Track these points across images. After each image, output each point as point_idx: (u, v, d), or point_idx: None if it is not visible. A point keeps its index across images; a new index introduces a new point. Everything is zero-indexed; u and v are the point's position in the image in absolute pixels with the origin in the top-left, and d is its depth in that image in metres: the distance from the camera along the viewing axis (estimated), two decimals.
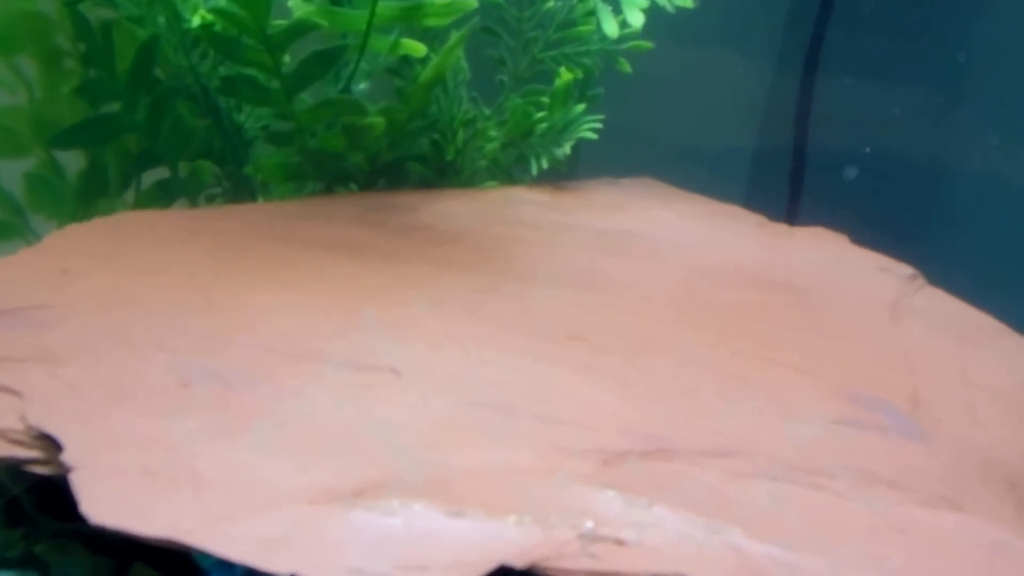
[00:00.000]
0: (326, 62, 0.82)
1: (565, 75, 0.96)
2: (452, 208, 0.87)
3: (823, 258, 0.86)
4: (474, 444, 0.50)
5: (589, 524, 0.45)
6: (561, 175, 1.03)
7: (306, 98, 0.86)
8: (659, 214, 0.94)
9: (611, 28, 0.89)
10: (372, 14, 0.84)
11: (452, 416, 0.52)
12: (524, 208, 0.90)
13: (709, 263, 0.81)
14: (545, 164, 0.97)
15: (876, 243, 1.17)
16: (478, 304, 0.67)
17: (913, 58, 1.32)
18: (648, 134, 1.37)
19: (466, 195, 0.92)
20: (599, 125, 0.98)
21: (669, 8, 0.90)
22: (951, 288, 0.90)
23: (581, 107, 0.98)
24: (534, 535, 0.43)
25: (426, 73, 0.86)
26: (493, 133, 0.96)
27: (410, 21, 0.86)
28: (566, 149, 0.96)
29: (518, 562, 0.42)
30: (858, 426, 0.57)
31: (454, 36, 0.85)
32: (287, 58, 0.82)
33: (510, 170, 1.00)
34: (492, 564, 0.41)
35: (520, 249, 0.79)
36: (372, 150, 0.89)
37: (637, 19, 0.88)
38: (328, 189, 0.91)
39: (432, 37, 0.92)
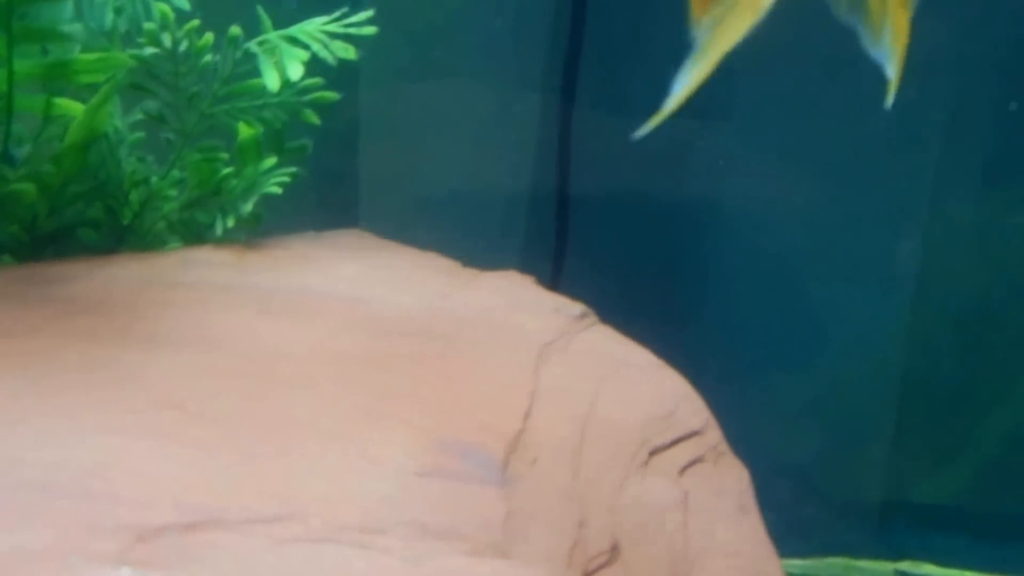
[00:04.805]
0: None
1: (245, 130, 0.94)
2: (115, 275, 0.83)
3: (497, 303, 0.86)
4: None
5: None
6: (258, 232, 1.00)
7: None
8: (346, 268, 0.92)
9: (272, 82, 0.88)
10: (11, 72, 0.81)
11: None
12: (197, 270, 0.87)
13: (371, 316, 0.79)
14: (231, 223, 0.95)
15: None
16: (82, 379, 0.63)
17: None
18: (415, 186, 1.36)
19: (138, 260, 0.88)
20: (287, 180, 0.96)
21: (330, 60, 0.90)
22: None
23: (271, 161, 0.96)
24: None
25: (73, 135, 0.83)
26: (172, 192, 0.94)
27: (58, 79, 0.83)
28: (249, 206, 0.94)
29: None
30: (440, 476, 0.55)
31: (97, 95, 0.82)
32: None
33: (201, 230, 0.98)
34: None
35: (166, 315, 0.75)
36: (27, 218, 0.85)
37: (296, 72, 0.87)
38: None
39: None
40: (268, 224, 1.01)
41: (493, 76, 1.35)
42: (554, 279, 1.35)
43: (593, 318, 0.85)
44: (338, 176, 1.30)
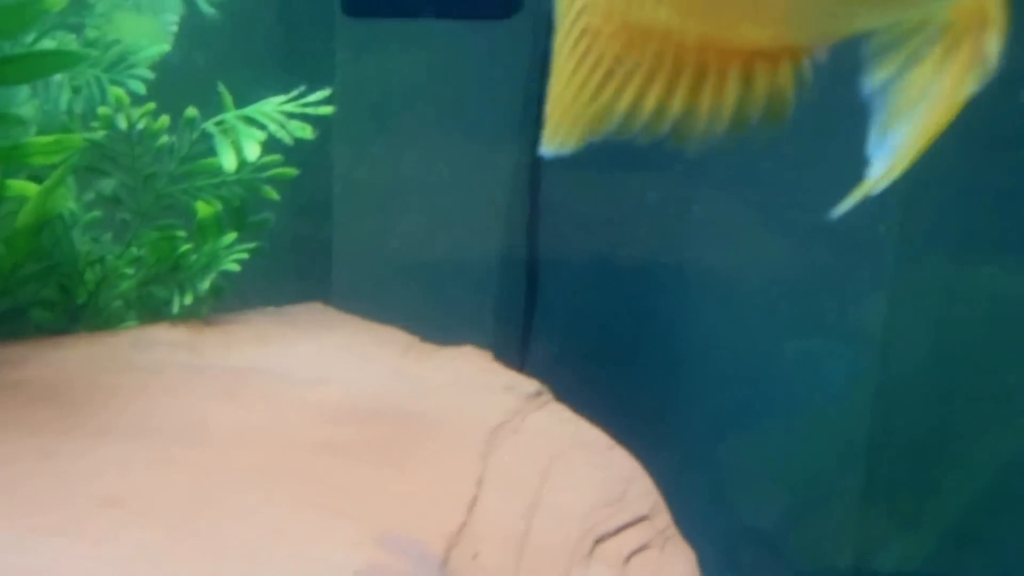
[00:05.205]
0: None
1: (204, 208, 0.94)
2: (64, 358, 0.83)
3: (451, 381, 0.86)
4: None
5: None
6: (219, 307, 1.00)
7: None
8: (302, 346, 0.92)
9: (228, 162, 0.88)
10: None
11: None
12: (149, 351, 0.87)
13: (323, 399, 0.79)
14: (189, 300, 0.94)
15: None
16: (22, 473, 0.63)
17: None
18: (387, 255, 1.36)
19: (89, 341, 0.88)
20: (246, 255, 0.96)
21: (287, 140, 0.90)
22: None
23: (231, 237, 0.96)
24: None
25: (25, 218, 0.83)
26: (129, 271, 0.93)
27: (12, 161, 0.83)
28: (207, 283, 0.94)
29: None
30: (378, 575, 0.55)
31: (50, 178, 0.82)
32: None
33: (159, 306, 0.97)
34: None
35: (113, 401, 0.75)
36: None
37: (252, 152, 0.88)
38: None
39: None
40: (236, 295, 1.01)
41: (463, 142, 1.36)
42: (523, 344, 1.35)
43: (547, 396, 0.85)
44: (307, 246, 1.31)
